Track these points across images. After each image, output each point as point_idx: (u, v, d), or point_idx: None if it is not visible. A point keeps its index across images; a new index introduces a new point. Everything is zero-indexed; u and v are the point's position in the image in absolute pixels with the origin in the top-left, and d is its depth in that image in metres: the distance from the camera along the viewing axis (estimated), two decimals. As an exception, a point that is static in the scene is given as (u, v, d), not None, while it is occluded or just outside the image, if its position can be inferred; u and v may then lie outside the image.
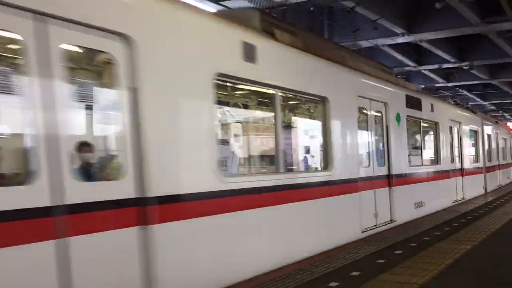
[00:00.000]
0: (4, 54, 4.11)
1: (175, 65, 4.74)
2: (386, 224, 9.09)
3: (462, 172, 14.77)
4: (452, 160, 13.92)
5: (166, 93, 4.62)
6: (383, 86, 9.60)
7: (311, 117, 8.63)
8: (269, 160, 8.11)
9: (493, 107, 37.58)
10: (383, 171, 9.31)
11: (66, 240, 3.63)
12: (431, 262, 6.10)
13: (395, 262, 6.12)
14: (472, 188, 15.70)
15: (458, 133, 14.62)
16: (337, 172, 7.54)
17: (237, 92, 7.13)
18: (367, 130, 8.92)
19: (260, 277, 5.54)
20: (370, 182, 8.65)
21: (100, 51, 4.17)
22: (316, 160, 8.25)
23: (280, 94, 6.45)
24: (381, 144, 9.49)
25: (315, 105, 7.91)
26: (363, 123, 8.75)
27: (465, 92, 28.61)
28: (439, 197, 12.59)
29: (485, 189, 17.86)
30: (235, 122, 8.57)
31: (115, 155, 4.53)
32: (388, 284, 5.17)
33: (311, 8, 14.09)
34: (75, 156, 3.94)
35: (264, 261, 5.83)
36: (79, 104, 4.54)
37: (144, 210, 4.23)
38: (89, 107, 5.06)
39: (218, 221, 5.10)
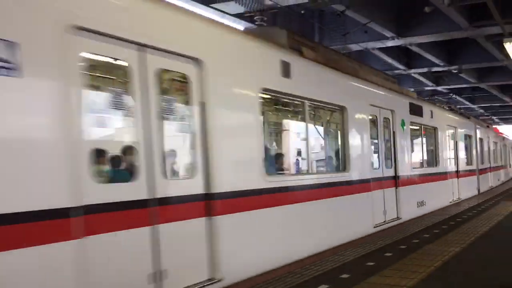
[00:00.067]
0: (114, 77, 5.07)
1: (232, 82, 5.68)
2: (393, 221, 9.95)
3: (457, 174, 15.61)
4: (449, 163, 14.82)
5: (225, 106, 5.51)
6: (390, 95, 10.61)
7: (329, 123, 9.32)
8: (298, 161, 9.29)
9: (481, 110, 37.89)
10: (390, 172, 10.22)
11: (156, 227, 4.46)
12: (420, 264, 6.14)
13: (384, 265, 6.15)
14: (466, 189, 16.58)
15: (454, 137, 15.57)
16: (354, 173, 8.47)
17: (275, 104, 8.00)
18: (377, 135, 9.86)
19: (254, 278, 5.57)
20: (380, 183, 9.55)
21: (179, 72, 5.02)
22: (335, 162, 8.97)
23: (308, 104, 7.39)
24: (388, 148, 10.38)
25: (331, 113, 8.82)
26: (374, 129, 9.73)
27: (456, 97, 28.81)
28: (438, 197, 13.50)
29: (478, 190, 18.57)
30: (275, 129, 9.33)
31: (189, 157, 5.24)
32: (377, 287, 5.20)
33: (302, 12, 14.12)
34: (163, 159, 4.72)
35: (308, 248, 6.84)
36: (166, 116, 5.21)
37: (209, 204, 5.08)
38: (172, 119, 5.70)
39: (263, 214, 5.97)
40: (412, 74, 22.99)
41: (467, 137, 17.73)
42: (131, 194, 4.28)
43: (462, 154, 16.54)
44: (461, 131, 16.54)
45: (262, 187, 5.99)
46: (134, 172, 4.40)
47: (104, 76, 5.08)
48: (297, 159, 9.34)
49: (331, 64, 8.20)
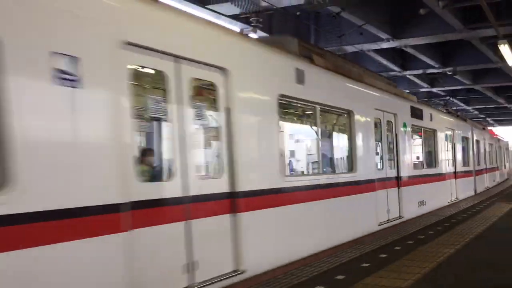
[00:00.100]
0: (154, 86, 5.50)
1: (253, 88, 6.09)
2: (396, 220, 10.32)
3: (455, 175, 15.99)
4: (448, 164, 15.22)
5: (247, 111, 5.90)
6: (393, 99, 11.08)
7: (335, 126, 9.61)
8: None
9: (476, 112, 38.05)
10: (393, 173, 10.63)
11: (189, 222, 4.84)
12: (415, 265, 6.17)
13: (379, 266, 6.18)
14: (464, 190, 16.99)
15: (452, 139, 15.93)
16: (361, 174, 8.88)
17: (289, 109, 8.25)
18: (381, 137, 10.27)
19: (249, 280, 5.57)
20: (383, 183, 9.94)
21: (208, 80, 5.40)
22: (344, 163, 9.29)
23: (319, 108, 7.78)
24: (391, 150, 10.77)
25: (338, 116, 9.18)
26: (378, 132, 10.14)
27: (452, 99, 28.93)
28: (438, 197, 13.87)
29: (475, 191, 18.90)
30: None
31: (217, 159, 5.61)
32: (372, 288, 5.21)
33: (298, 13, 14.15)
34: (196, 161, 5.13)
35: (320, 242, 7.27)
36: (197, 120, 5.55)
37: (234, 201, 5.47)
38: (201, 123, 5.98)
39: (282, 211, 6.40)
40: (407, 76, 23.06)
41: (464, 139, 18.11)
42: (169, 192, 4.70)
43: (459, 155, 16.92)
44: (458, 133, 16.93)
45: (280, 187, 6.44)
46: (171, 172, 4.81)
47: (146, 85, 5.58)
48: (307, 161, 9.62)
49: (338, 70, 8.58)
